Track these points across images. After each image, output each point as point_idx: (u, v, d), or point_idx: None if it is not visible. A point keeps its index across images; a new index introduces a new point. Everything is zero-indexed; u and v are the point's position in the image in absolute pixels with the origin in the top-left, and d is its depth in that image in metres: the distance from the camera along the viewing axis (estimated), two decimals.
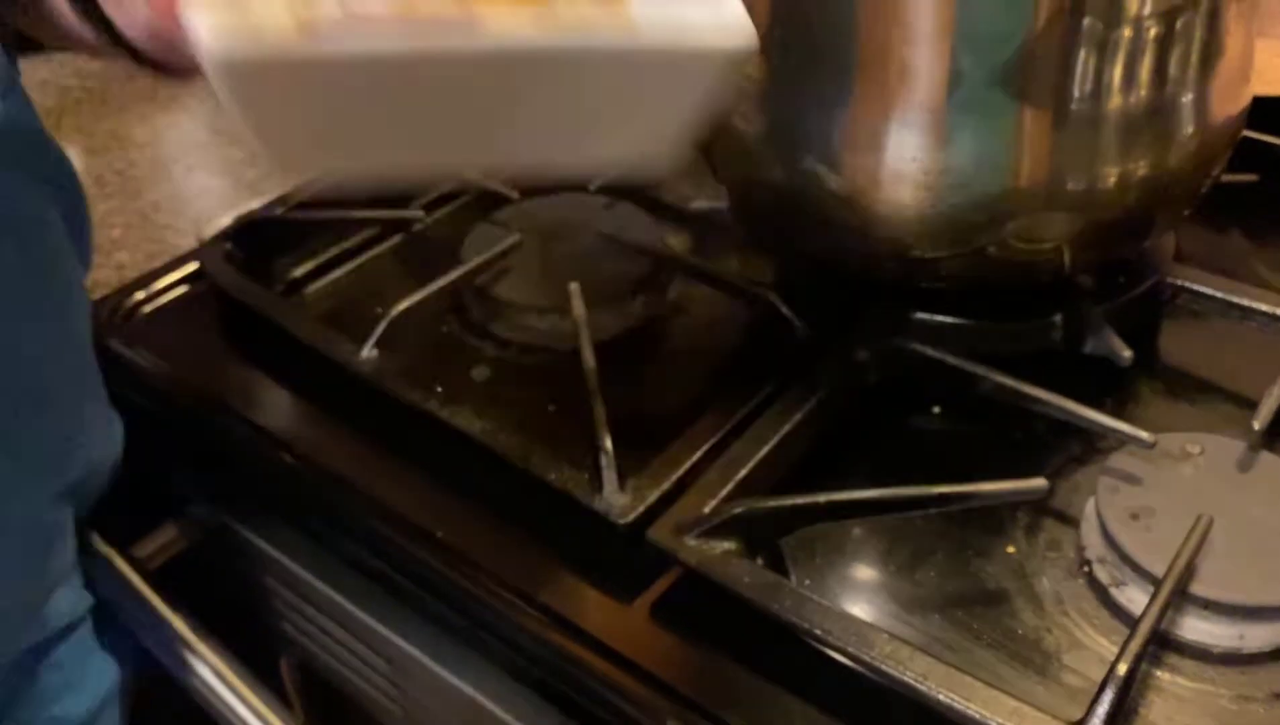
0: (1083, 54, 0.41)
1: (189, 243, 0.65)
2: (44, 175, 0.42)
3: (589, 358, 0.47)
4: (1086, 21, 0.40)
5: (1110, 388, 0.47)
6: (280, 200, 0.60)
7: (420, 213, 0.59)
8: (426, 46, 0.24)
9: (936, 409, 0.47)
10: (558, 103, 0.27)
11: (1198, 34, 0.43)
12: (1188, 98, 0.44)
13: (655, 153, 0.31)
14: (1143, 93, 0.42)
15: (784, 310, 0.50)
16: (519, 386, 0.51)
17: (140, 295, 0.57)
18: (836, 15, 0.42)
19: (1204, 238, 0.55)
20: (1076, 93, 0.41)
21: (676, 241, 0.59)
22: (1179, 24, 0.42)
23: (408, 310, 0.51)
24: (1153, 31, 0.42)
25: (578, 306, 0.50)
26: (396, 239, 0.60)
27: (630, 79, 0.27)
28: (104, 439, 0.47)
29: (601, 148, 0.31)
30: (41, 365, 0.42)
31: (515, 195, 0.60)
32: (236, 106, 0.26)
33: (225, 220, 0.66)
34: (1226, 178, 0.49)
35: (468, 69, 0.25)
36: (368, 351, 0.48)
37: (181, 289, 0.57)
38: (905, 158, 0.42)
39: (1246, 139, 0.50)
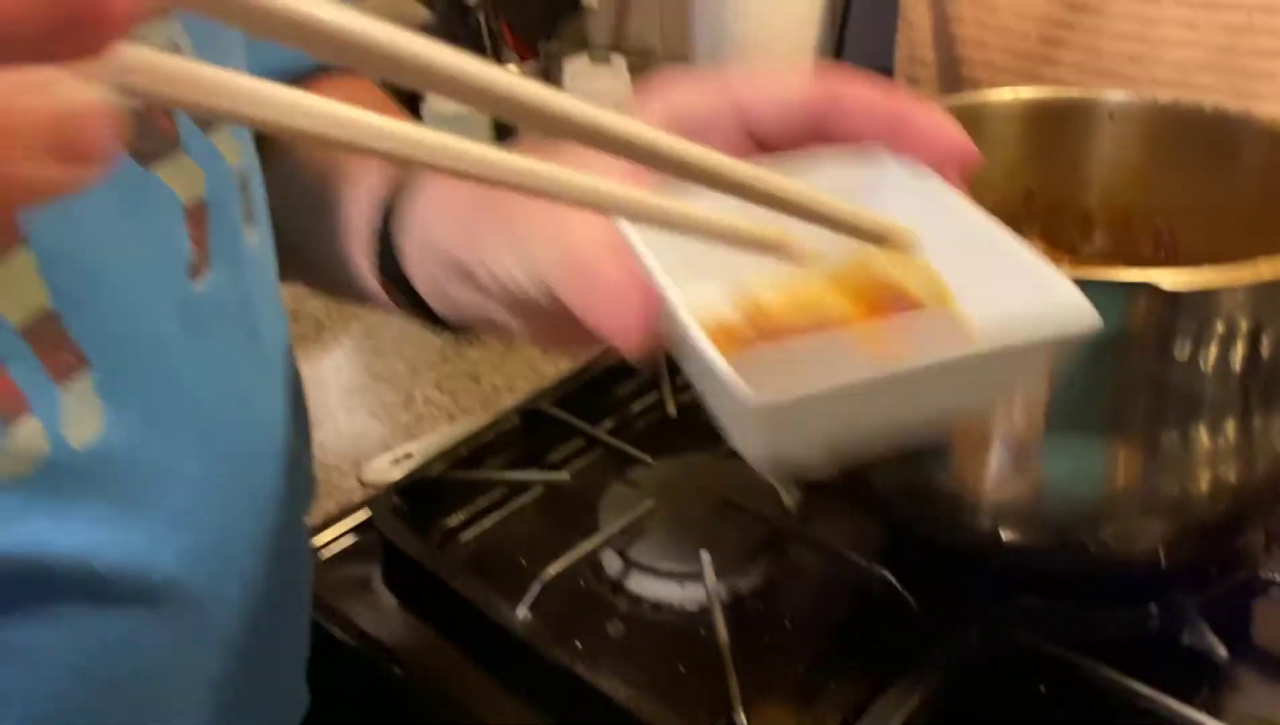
0: (1171, 390, 0.46)
1: (350, 482, 0.73)
2: None
3: (722, 631, 0.52)
4: (1175, 360, 0.46)
5: (1208, 676, 0.50)
6: (440, 457, 0.67)
7: (565, 475, 0.66)
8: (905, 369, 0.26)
9: (1042, 688, 0.51)
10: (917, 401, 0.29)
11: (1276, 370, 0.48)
12: (1271, 421, 0.49)
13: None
14: (1231, 418, 0.48)
15: (896, 585, 0.55)
16: (651, 645, 0.56)
17: (315, 540, 0.64)
18: None
19: None
20: (1168, 423, 0.46)
21: (791, 501, 0.65)
22: (1264, 349, 0.48)
23: (555, 578, 0.57)
24: (1239, 360, 0.47)
25: (709, 575, 0.56)
26: (539, 492, 0.67)
27: (970, 376, 0.28)
28: None
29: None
30: None
31: (648, 458, 0.67)
32: (761, 445, 0.26)
33: (383, 461, 0.74)
34: None
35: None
36: (523, 612, 0.54)
37: (350, 538, 0.65)
38: (1011, 471, 0.48)
39: None
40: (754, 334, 0.30)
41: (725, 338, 0.28)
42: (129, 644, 0.37)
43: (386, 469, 0.74)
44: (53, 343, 0.32)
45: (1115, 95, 0.57)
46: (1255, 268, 0.43)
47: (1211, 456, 0.47)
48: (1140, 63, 0.70)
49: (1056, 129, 0.60)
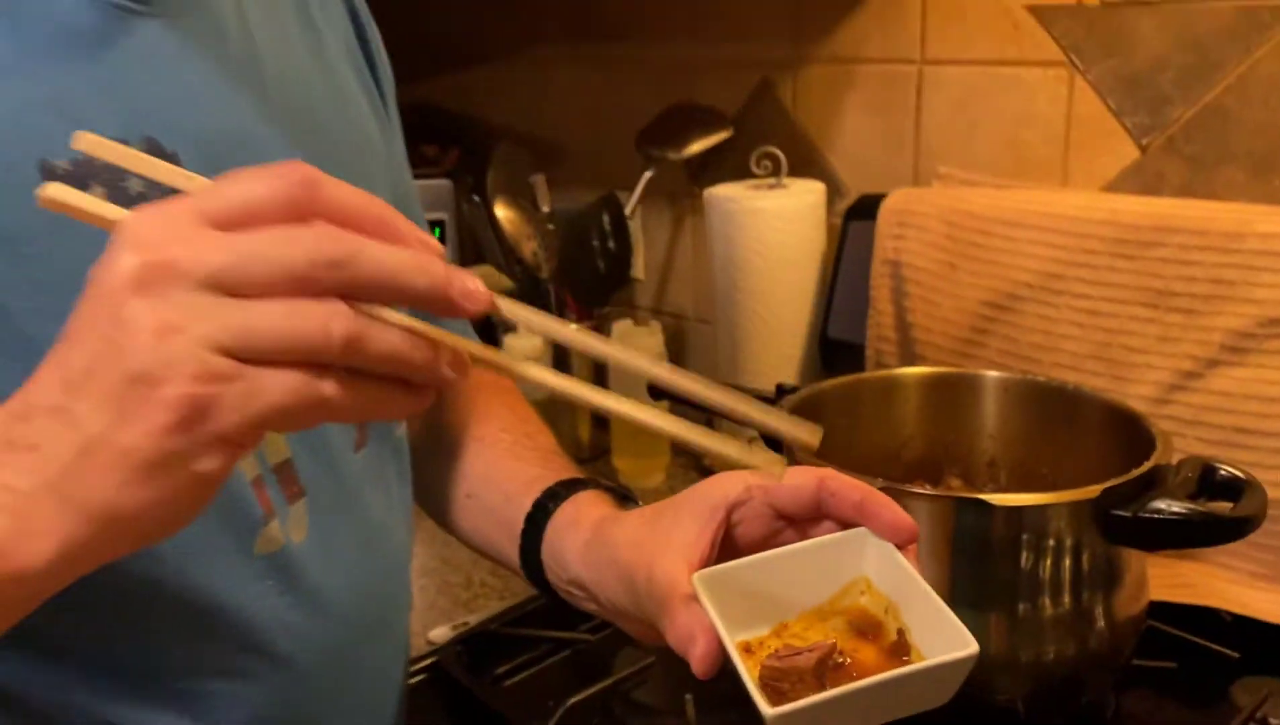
0: (1024, 576, 0.66)
1: (420, 642, 0.92)
2: None
3: None
4: (1023, 558, 0.66)
5: None
6: (493, 618, 0.87)
7: (589, 635, 0.85)
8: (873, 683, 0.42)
9: None
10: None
11: (1101, 566, 0.68)
12: (1099, 605, 0.67)
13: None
14: (1067, 600, 0.67)
15: None
16: None
17: None
18: None
19: (1139, 709, 0.75)
20: (1023, 602, 0.65)
21: None
22: (1084, 559, 0.67)
23: (573, 705, 0.75)
24: (1067, 563, 0.67)
25: (690, 711, 0.74)
26: (568, 651, 0.86)
27: (913, 685, 0.44)
28: None
29: None
30: None
31: None
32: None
33: (445, 628, 0.93)
34: (1145, 662, 0.71)
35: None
36: None
37: (419, 678, 0.84)
38: None
39: (1165, 633, 0.72)
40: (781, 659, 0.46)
41: (762, 665, 0.45)
42: (277, 699, 0.55)
43: (448, 634, 0.93)
44: (289, 478, 0.54)
45: (994, 373, 0.80)
46: (1068, 493, 0.64)
47: (1055, 627, 0.66)
48: (1045, 351, 0.93)
49: (967, 396, 0.82)
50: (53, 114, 0.45)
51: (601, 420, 1.28)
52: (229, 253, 0.34)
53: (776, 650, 0.47)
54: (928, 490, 0.69)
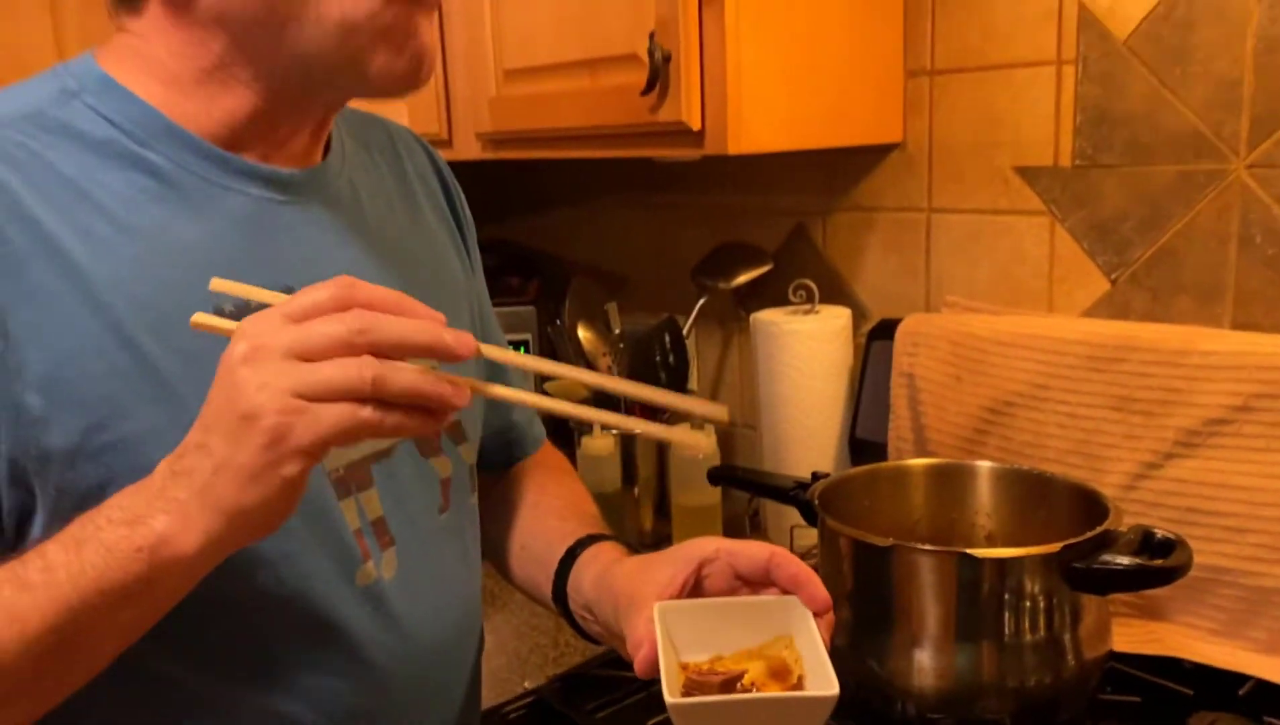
0: (1008, 615, 0.84)
1: (519, 686, 1.11)
2: None
3: None
4: (1006, 601, 0.85)
5: None
6: (584, 663, 1.06)
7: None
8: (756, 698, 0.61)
9: None
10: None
11: (1068, 609, 0.86)
12: (1068, 641, 0.86)
13: None
14: (1043, 636, 0.85)
15: None
16: None
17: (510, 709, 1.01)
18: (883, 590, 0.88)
19: None
20: (1008, 637, 0.84)
21: None
22: (1054, 603, 0.86)
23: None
24: (1041, 605, 0.85)
25: None
26: (644, 693, 1.04)
27: (789, 708, 0.60)
28: None
29: None
30: None
31: None
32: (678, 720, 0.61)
33: (542, 673, 1.12)
34: (1115, 697, 0.89)
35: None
36: None
37: (522, 711, 1.02)
38: (930, 665, 0.85)
39: (1133, 675, 0.90)
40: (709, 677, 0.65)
41: (688, 677, 0.63)
42: (369, 697, 0.71)
43: (542, 680, 1.12)
44: (382, 530, 0.73)
45: (986, 464, 1.00)
46: (1037, 548, 0.83)
47: (1034, 659, 0.84)
48: (1034, 447, 1.13)
49: (966, 482, 1.02)
50: (224, 274, 0.63)
51: (663, 510, 1.48)
52: (297, 334, 0.54)
53: (701, 669, 0.65)
54: (929, 547, 0.88)
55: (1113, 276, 1.18)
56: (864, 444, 1.30)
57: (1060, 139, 1.19)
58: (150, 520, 0.54)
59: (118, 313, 0.62)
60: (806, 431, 1.34)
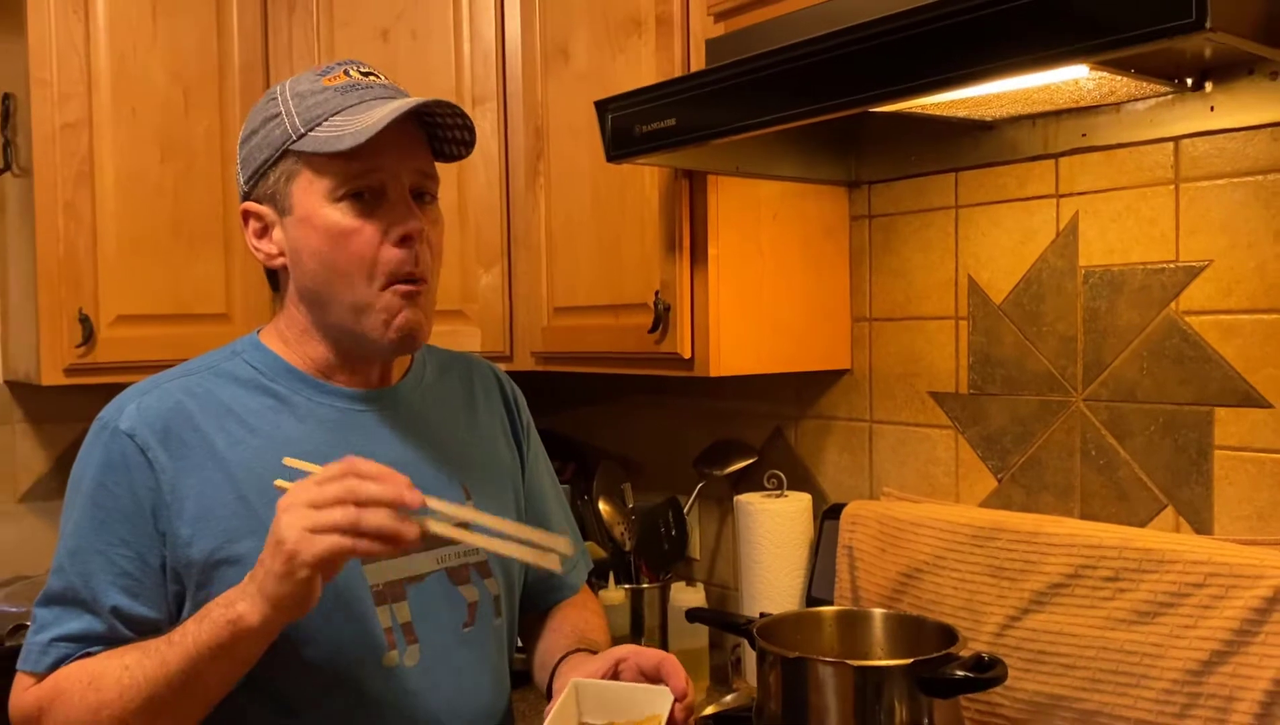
0: (880, 709, 1.20)
1: None
2: None
3: None
4: (883, 696, 1.20)
5: None
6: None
7: None
8: None
9: None
10: None
11: (926, 708, 1.22)
12: None
13: None
14: None
15: None
16: None
17: None
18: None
19: None
20: (881, 723, 1.20)
21: None
22: (915, 701, 1.21)
23: None
24: (906, 703, 1.21)
25: None
26: None
27: None
28: None
29: None
30: None
31: None
32: None
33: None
34: None
35: None
36: None
37: None
38: None
39: None
40: None
41: None
42: None
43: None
44: (408, 630, 1.08)
45: (879, 609, 1.37)
46: (896, 660, 1.20)
47: None
48: (934, 603, 1.49)
49: (867, 622, 1.39)
50: (315, 460, 0.98)
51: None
52: (314, 493, 0.89)
53: None
54: (822, 658, 1.25)
55: (999, 477, 1.57)
56: (817, 601, 1.67)
57: (960, 372, 1.61)
58: (235, 606, 0.91)
59: (239, 481, 1.01)
60: (776, 589, 1.72)
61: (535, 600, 1.27)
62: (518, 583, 1.22)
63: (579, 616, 1.30)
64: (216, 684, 0.94)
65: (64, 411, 1.99)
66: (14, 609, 1.65)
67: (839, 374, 1.78)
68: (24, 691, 0.99)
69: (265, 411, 1.06)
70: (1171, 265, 1.37)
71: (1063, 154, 1.47)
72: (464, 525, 0.97)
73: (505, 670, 1.19)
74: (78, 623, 0.98)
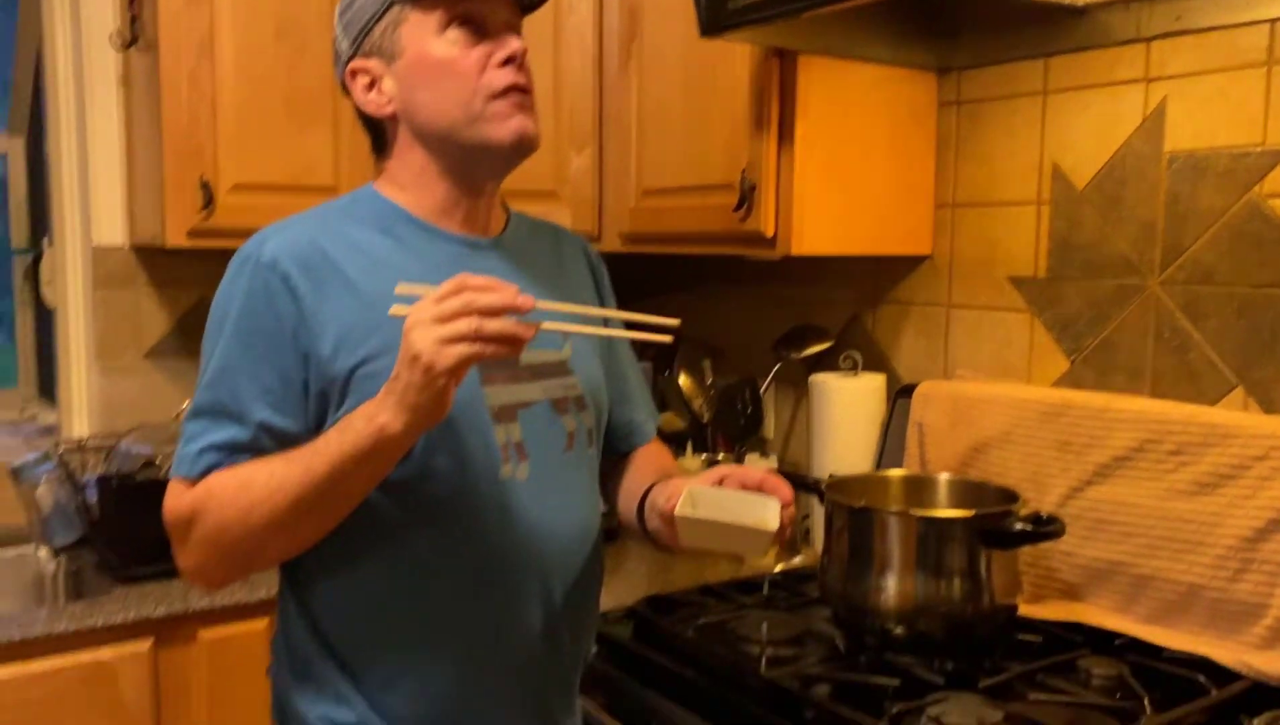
0: (947, 558, 1.28)
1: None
2: None
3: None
4: (946, 548, 1.28)
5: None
6: (674, 591, 1.52)
7: (749, 600, 1.49)
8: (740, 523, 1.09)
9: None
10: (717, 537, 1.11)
11: (984, 559, 1.29)
12: (983, 584, 1.28)
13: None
14: (969, 576, 1.28)
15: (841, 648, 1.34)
16: None
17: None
18: None
19: (1017, 656, 1.33)
20: (946, 575, 1.28)
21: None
22: (975, 553, 1.28)
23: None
24: (967, 553, 1.28)
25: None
26: (733, 611, 1.49)
27: (738, 533, 1.07)
28: None
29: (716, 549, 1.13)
30: None
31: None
32: (686, 534, 1.08)
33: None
34: (1025, 637, 1.30)
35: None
36: (690, 632, 1.36)
37: (622, 616, 1.49)
38: (895, 593, 1.30)
39: (1042, 624, 1.32)
40: None
41: None
42: (502, 565, 1.19)
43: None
44: (519, 448, 1.18)
45: (944, 474, 1.44)
46: (959, 512, 1.27)
47: (963, 590, 1.27)
48: (999, 475, 1.55)
49: (931, 487, 1.46)
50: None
51: None
52: (436, 310, 0.98)
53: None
54: (888, 509, 1.32)
55: (1071, 358, 1.61)
56: None
57: (1039, 257, 1.65)
58: (378, 417, 1.00)
59: (373, 305, 1.09)
60: (846, 464, 1.79)
61: (614, 444, 1.36)
62: (603, 423, 1.31)
63: (658, 457, 1.39)
64: (358, 489, 1.04)
65: (183, 277, 2.13)
66: (143, 449, 1.80)
67: (918, 261, 1.82)
68: (178, 497, 1.09)
69: (389, 250, 1.15)
70: (1258, 149, 1.38)
71: (1154, 38, 1.48)
72: (570, 324, 1.05)
73: (598, 496, 1.29)
74: (226, 432, 1.08)
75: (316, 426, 1.09)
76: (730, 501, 1.10)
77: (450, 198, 1.19)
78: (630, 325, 1.07)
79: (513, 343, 0.97)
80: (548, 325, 1.01)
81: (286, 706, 1.16)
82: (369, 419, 0.99)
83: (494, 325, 0.95)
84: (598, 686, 1.41)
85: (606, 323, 1.15)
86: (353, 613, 1.12)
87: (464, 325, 0.94)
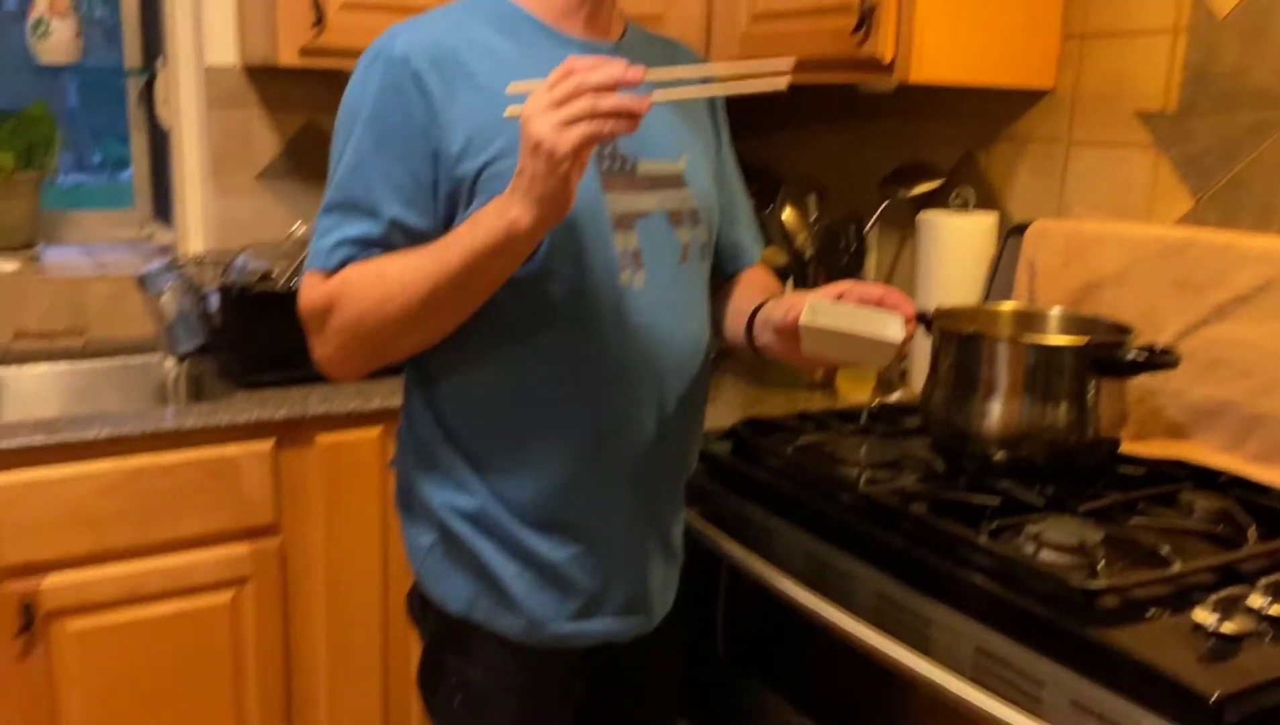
0: (1057, 385, 1.28)
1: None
2: None
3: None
4: (1058, 375, 1.27)
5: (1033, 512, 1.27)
6: (771, 417, 1.54)
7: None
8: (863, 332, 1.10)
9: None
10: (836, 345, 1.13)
11: (1094, 388, 1.28)
12: (1089, 413, 1.28)
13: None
14: (1077, 403, 1.27)
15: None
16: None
17: None
18: None
19: (1119, 488, 1.34)
20: (1055, 400, 1.28)
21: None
22: (1085, 381, 1.28)
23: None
24: (1077, 381, 1.28)
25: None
26: (831, 436, 1.52)
27: (861, 344, 1.09)
28: None
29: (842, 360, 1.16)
30: None
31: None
32: (809, 344, 1.11)
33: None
34: (1128, 470, 1.30)
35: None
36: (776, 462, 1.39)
37: (723, 437, 1.52)
38: (1001, 419, 1.30)
39: (1146, 459, 1.31)
40: None
41: None
42: (622, 367, 1.20)
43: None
44: (636, 256, 1.19)
45: (1057, 308, 1.42)
46: (1071, 338, 1.26)
47: (1069, 417, 1.27)
48: (1113, 313, 1.53)
49: (1042, 320, 1.44)
50: None
51: None
52: (550, 96, 0.97)
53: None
54: (998, 336, 1.31)
55: (1196, 197, 1.55)
56: None
57: (1170, 90, 1.57)
58: (507, 212, 1.01)
59: (501, 105, 1.08)
60: (952, 302, 1.77)
61: (720, 265, 1.37)
62: (714, 240, 1.32)
63: (764, 278, 1.40)
64: (487, 284, 1.07)
65: (292, 99, 2.16)
66: (259, 264, 1.87)
67: (1038, 95, 1.75)
68: (314, 288, 1.12)
69: (512, 51, 1.16)
70: None
71: None
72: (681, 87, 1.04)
73: (708, 310, 1.31)
74: (359, 226, 1.11)
75: (445, 226, 1.11)
76: (852, 314, 1.10)
77: (569, 5, 1.17)
78: (745, 75, 1.03)
79: (629, 116, 0.96)
80: (659, 95, 1.00)
81: (412, 494, 1.22)
82: (499, 214, 1.01)
83: (608, 101, 0.94)
84: (698, 499, 1.45)
85: (713, 82, 1.12)
86: (474, 407, 1.17)
87: (579, 106, 0.94)
